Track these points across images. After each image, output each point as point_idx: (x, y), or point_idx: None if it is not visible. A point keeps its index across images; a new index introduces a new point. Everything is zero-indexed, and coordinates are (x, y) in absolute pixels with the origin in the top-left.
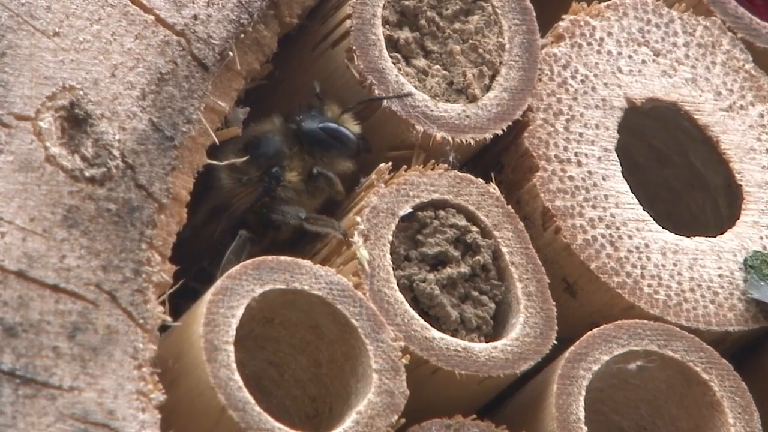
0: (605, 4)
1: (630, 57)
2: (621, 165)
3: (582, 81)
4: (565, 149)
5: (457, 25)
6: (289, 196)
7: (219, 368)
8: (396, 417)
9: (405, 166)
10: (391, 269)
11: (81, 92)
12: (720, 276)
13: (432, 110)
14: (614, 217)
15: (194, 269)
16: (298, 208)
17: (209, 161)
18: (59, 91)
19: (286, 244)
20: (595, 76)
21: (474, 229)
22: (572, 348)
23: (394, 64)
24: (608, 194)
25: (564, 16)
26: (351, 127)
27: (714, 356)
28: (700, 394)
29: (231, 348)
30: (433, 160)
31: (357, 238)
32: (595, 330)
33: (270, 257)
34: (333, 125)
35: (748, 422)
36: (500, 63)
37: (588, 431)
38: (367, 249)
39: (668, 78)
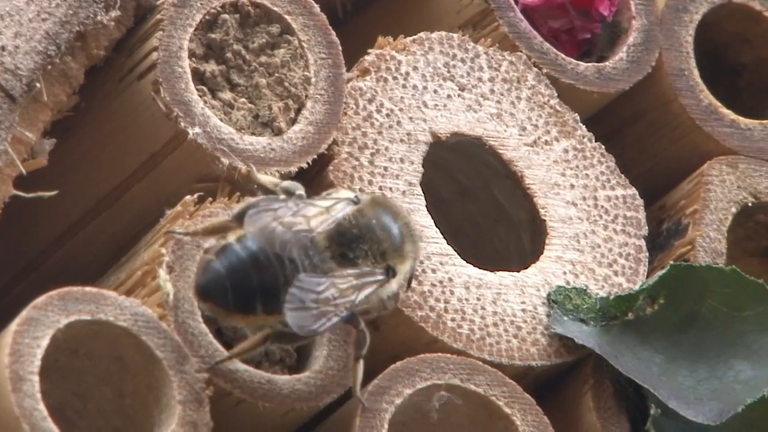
0: (411, 38)
1: (435, 91)
2: (425, 199)
3: (387, 115)
4: (370, 183)
5: (263, 59)
6: None
7: (24, 398)
8: None
9: (210, 199)
10: (195, 301)
11: None
12: (523, 311)
13: (237, 143)
14: None
15: None
16: None
17: (16, 192)
18: None
19: None
20: (401, 110)
21: None
22: (375, 381)
23: (200, 96)
24: None
25: (370, 50)
26: None
27: (517, 391)
28: (502, 429)
29: (36, 378)
30: (238, 193)
31: (162, 271)
32: (398, 363)
33: (75, 288)
34: None
35: None
36: (306, 96)
37: None
38: (172, 280)
39: (473, 113)
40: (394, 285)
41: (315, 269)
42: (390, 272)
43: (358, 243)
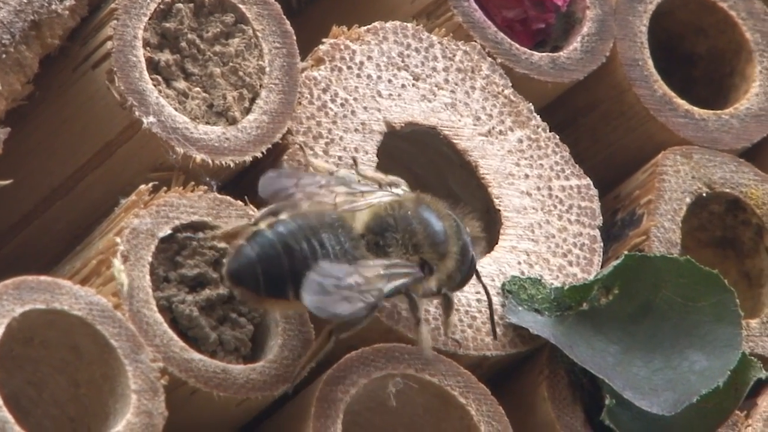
0: (365, 28)
1: (390, 81)
2: None
3: (342, 104)
4: None
5: (217, 48)
6: None
7: None
8: None
9: (165, 188)
10: (150, 290)
11: None
12: (478, 300)
13: (192, 132)
14: None
15: None
16: None
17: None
18: None
19: None
20: (355, 99)
21: None
22: (330, 371)
23: (155, 86)
24: None
25: (324, 40)
26: None
27: (471, 380)
28: (457, 419)
29: None
30: (193, 182)
31: (117, 261)
32: (354, 353)
33: (30, 277)
34: None
35: None
36: (260, 86)
37: None
38: (127, 270)
39: (428, 102)
40: (432, 282)
41: (346, 254)
42: (426, 268)
43: (390, 231)
